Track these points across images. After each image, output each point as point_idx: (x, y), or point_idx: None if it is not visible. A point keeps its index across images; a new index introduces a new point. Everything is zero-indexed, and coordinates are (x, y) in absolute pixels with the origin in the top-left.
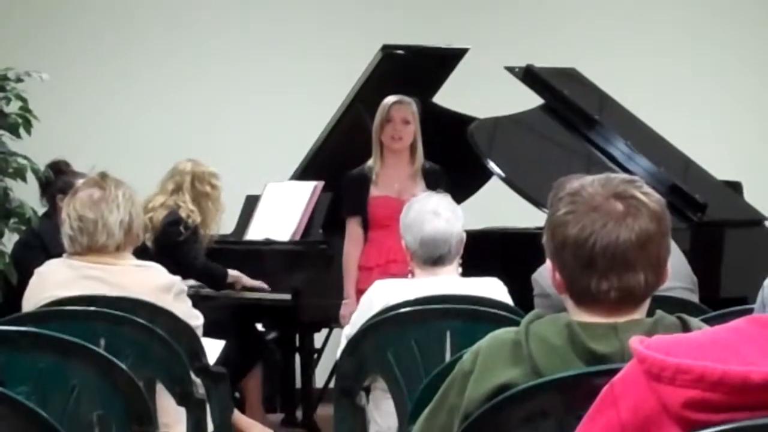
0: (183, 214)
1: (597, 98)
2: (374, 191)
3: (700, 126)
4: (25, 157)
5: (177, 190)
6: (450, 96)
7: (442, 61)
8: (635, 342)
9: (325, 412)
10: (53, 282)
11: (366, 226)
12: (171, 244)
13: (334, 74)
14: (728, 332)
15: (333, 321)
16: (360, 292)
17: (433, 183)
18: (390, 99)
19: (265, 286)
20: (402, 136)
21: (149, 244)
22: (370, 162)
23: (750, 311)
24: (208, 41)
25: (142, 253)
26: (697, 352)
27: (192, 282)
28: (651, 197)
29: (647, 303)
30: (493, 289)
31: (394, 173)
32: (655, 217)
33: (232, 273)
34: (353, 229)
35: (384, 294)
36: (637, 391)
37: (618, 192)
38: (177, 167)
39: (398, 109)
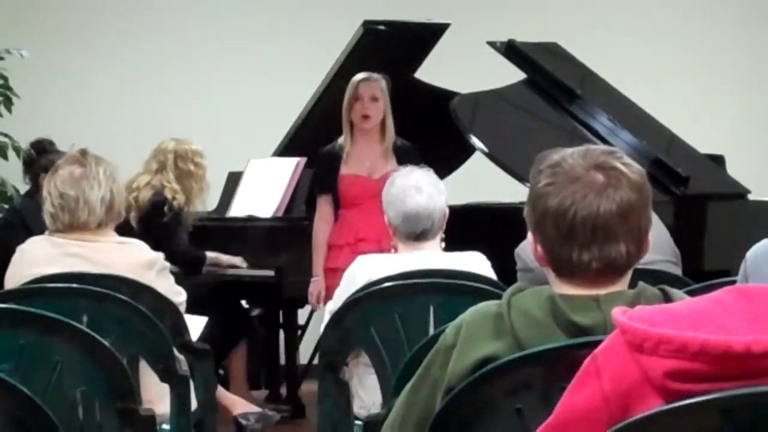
0: (168, 195)
1: (579, 73)
2: (345, 169)
3: (683, 100)
4: (6, 135)
5: (161, 169)
6: (432, 71)
7: (423, 37)
8: (618, 313)
9: (309, 388)
10: (35, 259)
11: (336, 205)
12: (154, 225)
13: (315, 50)
14: (710, 303)
15: None
16: (329, 270)
17: (404, 160)
18: (358, 76)
19: (243, 262)
20: (370, 113)
21: (134, 223)
22: (341, 140)
23: (733, 283)
24: (189, 19)
25: (126, 232)
26: (680, 322)
27: None
28: (631, 168)
29: (629, 274)
30: (475, 263)
31: (364, 151)
32: (635, 187)
33: (210, 255)
34: (323, 207)
35: (367, 269)
36: (619, 361)
37: (598, 163)
38: (160, 146)
39: (366, 86)
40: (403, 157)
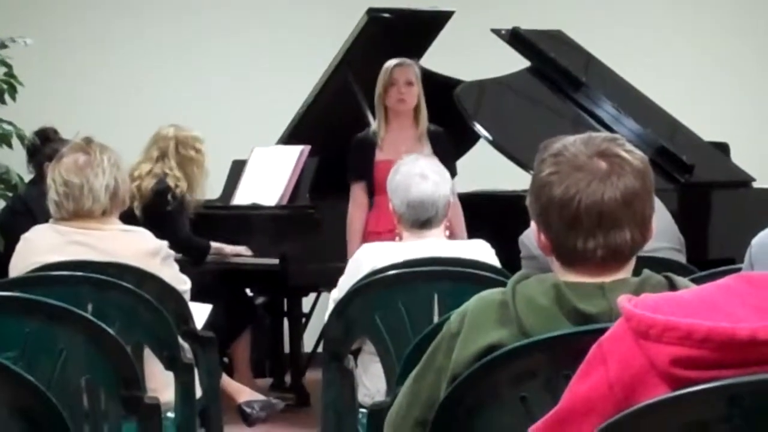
0: (171, 182)
1: (583, 60)
2: (380, 155)
3: (688, 87)
4: (10, 123)
5: (162, 156)
6: (436, 59)
7: (428, 24)
8: (623, 300)
9: (313, 376)
10: (40, 247)
11: (372, 191)
12: (158, 214)
13: (320, 38)
14: (716, 290)
15: (321, 285)
16: None
17: (438, 145)
18: (391, 62)
19: (248, 251)
20: (406, 97)
21: (137, 212)
22: (374, 126)
23: (737, 271)
24: (194, 7)
25: (130, 220)
26: (685, 309)
27: None
28: (634, 155)
29: (633, 261)
30: (480, 251)
31: (399, 137)
32: (639, 174)
33: (214, 245)
34: (358, 193)
35: (371, 257)
36: (625, 349)
37: (601, 150)
38: (160, 133)
39: (401, 71)
40: (437, 142)
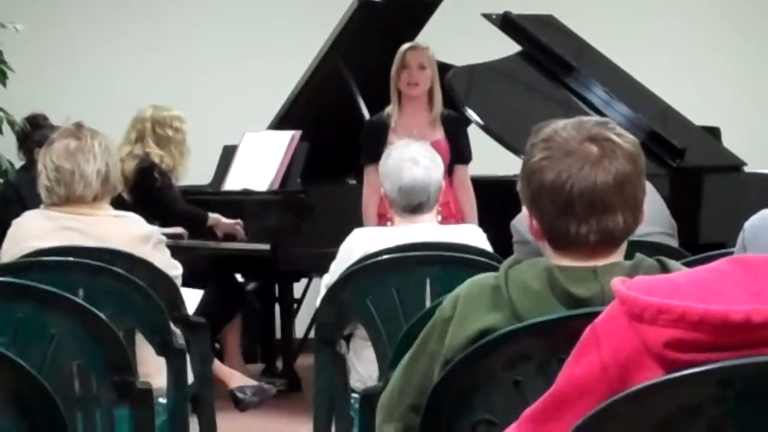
0: (155, 159)
1: (575, 45)
2: (393, 138)
3: (679, 72)
4: (0, 109)
5: (140, 138)
6: (428, 44)
7: (418, 9)
8: (617, 283)
9: (305, 361)
10: (31, 233)
11: None
12: (147, 192)
13: (310, 23)
14: (709, 273)
15: (312, 270)
16: None
17: (452, 130)
18: (405, 46)
19: (242, 225)
20: (418, 81)
21: (125, 195)
22: (388, 109)
23: (729, 255)
24: None
25: (119, 205)
26: (679, 292)
27: (168, 231)
28: (625, 138)
29: (624, 245)
30: (472, 236)
31: (412, 120)
32: (630, 157)
33: (212, 215)
34: (371, 176)
35: (363, 242)
36: (619, 331)
37: (592, 135)
38: (138, 114)
39: (413, 54)
40: (451, 126)
